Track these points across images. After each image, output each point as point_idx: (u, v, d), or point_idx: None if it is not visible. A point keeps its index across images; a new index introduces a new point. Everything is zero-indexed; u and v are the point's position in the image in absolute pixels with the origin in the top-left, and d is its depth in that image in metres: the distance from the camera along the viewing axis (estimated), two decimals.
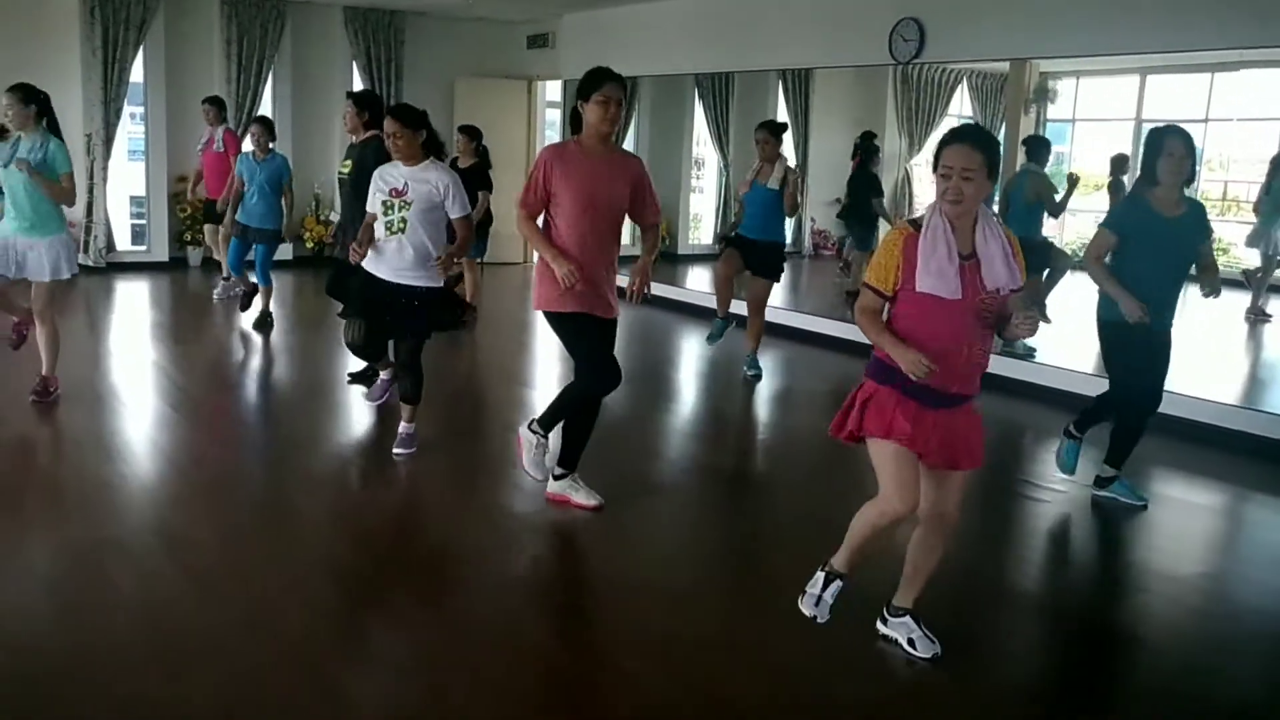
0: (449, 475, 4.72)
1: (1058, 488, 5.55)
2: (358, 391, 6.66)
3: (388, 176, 5.33)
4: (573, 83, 13.17)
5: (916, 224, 3.38)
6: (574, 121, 4.72)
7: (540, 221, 4.72)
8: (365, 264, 5.37)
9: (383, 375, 6.35)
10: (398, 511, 5.15)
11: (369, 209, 5.39)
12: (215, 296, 10.11)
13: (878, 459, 3.46)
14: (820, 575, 3.68)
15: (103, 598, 3.90)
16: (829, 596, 3.65)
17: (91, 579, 4.05)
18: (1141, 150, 5.13)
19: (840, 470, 5.77)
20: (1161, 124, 5.18)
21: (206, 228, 10.61)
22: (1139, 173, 5.16)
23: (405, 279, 5.32)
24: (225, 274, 9.96)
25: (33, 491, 5.05)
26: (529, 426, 4.87)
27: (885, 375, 3.45)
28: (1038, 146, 8.27)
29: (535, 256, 4.73)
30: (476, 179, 9.04)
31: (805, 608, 3.69)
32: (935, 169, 3.37)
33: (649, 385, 7.88)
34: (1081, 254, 5.63)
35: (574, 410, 4.87)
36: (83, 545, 4.35)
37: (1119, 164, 8.85)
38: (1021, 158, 8.22)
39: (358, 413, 6.47)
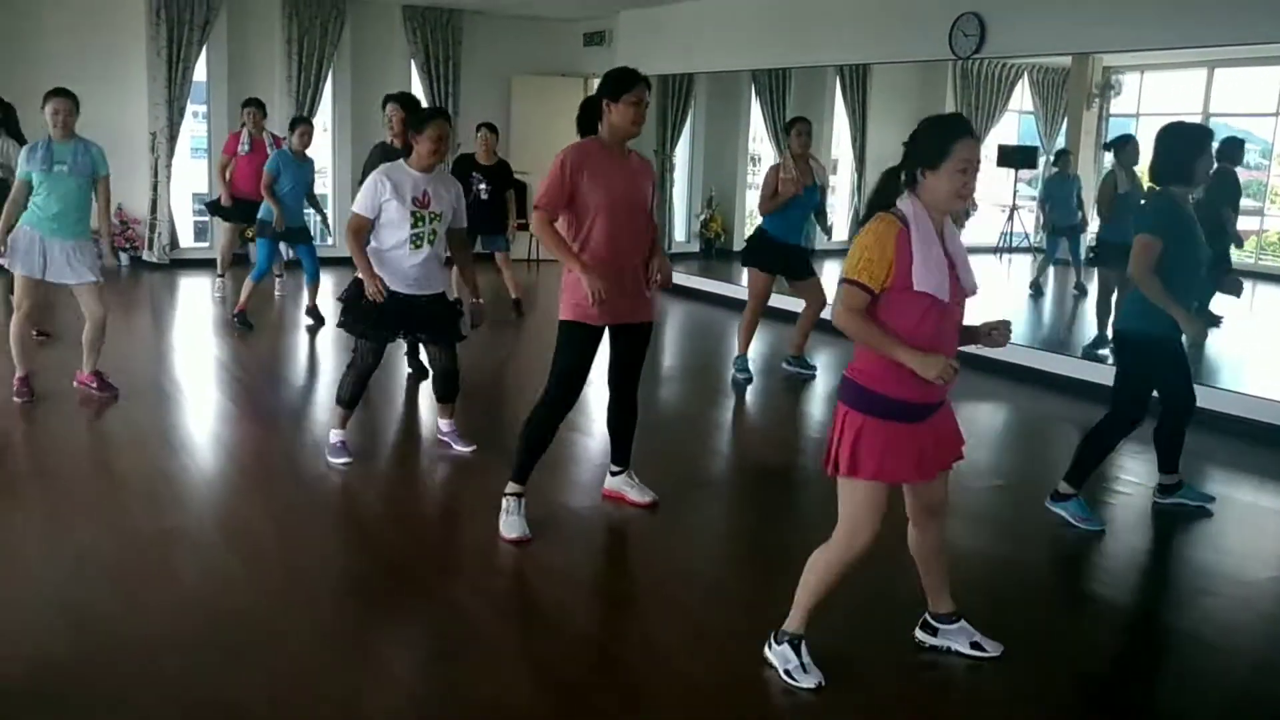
0: (501, 469, 4.73)
1: (1122, 489, 5.45)
2: (405, 393, 6.69)
3: (403, 182, 5.05)
4: None
5: (901, 216, 3.11)
6: (585, 120, 4.47)
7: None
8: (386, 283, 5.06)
9: (340, 436, 5.42)
10: (451, 503, 5.19)
11: (364, 213, 5.05)
12: (219, 294, 9.98)
13: (852, 492, 3.21)
14: (786, 650, 3.37)
15: (165, 588, 3.97)
16: (807, 658, 3.35)
17: (155, 569, 4.13)
18: (1164, 146, 4.67)
19: None
20: (1175, 118, 4.74)
21: (229, 228, 10.17)
22: (1158, 168, 4.71)
23: (436, 288, 5.26)
24: (279, 271, 10.05)
25: (100, 484, 5.13)
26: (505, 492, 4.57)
27: (867, 403, 3.16)
28: (1119, 147, 7.95)
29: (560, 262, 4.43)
30: (506, 178, 9.06)
31: (802, 681, 3.31)
32: (937, 163, 3.08)
33: (704, 381, 7.86)
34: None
35: (542, 440, 4.55)
36: (147, 536, 4.44)
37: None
38: (1087, 154, 8.09)
39: (411, 406, 6.51)
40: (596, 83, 4.59)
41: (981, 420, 7.03)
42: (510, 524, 4.48)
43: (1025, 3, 8.01)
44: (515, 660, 3.56)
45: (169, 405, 6.48)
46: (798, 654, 3.36)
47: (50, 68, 10.73)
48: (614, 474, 4.96)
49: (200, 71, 11.70)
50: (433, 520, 4.91)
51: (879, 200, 3.19)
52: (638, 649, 3.70)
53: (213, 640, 3.55)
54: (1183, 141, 4.69)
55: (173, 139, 11.59)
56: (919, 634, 3.64)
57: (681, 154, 13.04)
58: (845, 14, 9.59)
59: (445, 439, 5.64)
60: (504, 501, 4.54)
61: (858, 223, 3.22)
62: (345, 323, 5.30)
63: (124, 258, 11.67)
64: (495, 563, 4.37)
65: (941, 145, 3.08)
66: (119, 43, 11.38)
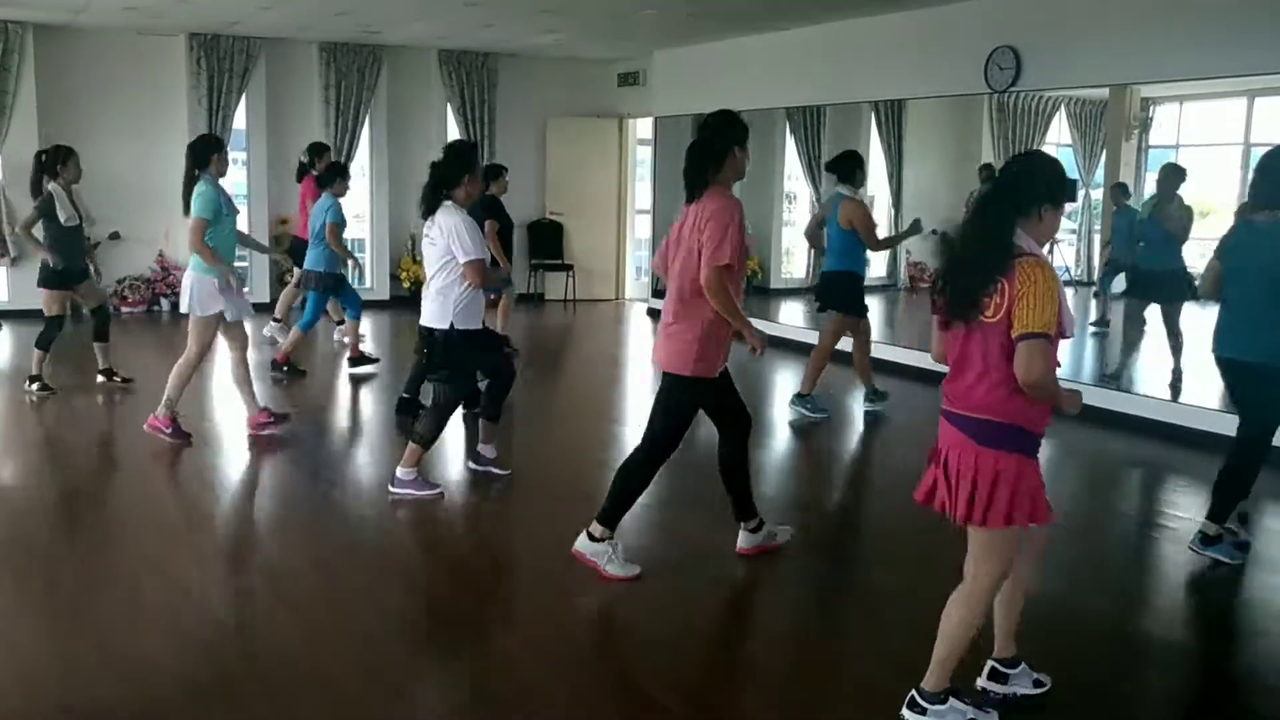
0: (542, 513, 4.70)
1: (1167, 524, 5.34)
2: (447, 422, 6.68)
3: None
4: (666, 120, 13.08)
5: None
6: (703, 161, 4.24)
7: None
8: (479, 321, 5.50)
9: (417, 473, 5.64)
10: (492, 546, 5.15)
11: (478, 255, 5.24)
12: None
13: (999, 539, 3.09)
14: (954, 703, 3.18)
15: (214, 634, 3.99)
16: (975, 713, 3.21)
17: (204, 615, 4.15)
18: (1258, 172, 4.58)
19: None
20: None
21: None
22: (1260, 196, 4.53)
23: None
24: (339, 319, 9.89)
25: (150, 527, 5.15)
26: (590, 538, 4.46)
27: (1019, 443, 3.07)
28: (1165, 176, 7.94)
29: (680, 318, 4.33)
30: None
31: None
32: (1061, 200, 3.06)
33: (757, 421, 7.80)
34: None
35: (641, 488, 4.52)
36: (193, 580, 4.46)
37: None
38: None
39: (453, 448, 6.50)
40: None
41: (1046, 459, 6.92)
42: (620, 565, 4.43)
43: (1061, 35, 7.98)
44: (556, 709, 3.51)
45: (215, 451, 6.53)
46: (963, 701, 3.21)
47: (93, 117, 10.97)
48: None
49: (240, 119, 11.87)
50: (475, 563, 4.87)
51: (1003, 240, 2.97)
52: (692, 700, 3.65)
53: (261, 685, 3.55)
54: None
55: None
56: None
57: None
58: (880, 50, 9.59)
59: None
60: (601, 547, 4.42)
61: (960, 263, 3.04)
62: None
63: (165, 304, 11.80)
64: (537, 604, 4.34)
65: (1065, 184, 3.05)
66: (161, 92, 11.58)
